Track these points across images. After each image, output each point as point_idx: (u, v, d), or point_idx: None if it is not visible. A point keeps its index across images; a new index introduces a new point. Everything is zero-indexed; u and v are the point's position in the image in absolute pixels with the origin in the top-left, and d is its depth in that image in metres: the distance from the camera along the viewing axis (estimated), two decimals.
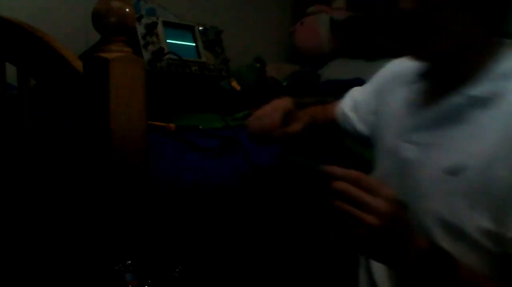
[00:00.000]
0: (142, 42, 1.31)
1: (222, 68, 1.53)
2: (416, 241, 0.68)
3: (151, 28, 1.34)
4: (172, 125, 1.20)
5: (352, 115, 1.11)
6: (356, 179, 0.65)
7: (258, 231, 1.11)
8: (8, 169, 1.11)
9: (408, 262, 0.67)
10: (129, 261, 0.73)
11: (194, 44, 1.47)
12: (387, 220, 0.64)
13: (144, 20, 1.34)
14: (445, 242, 0.73)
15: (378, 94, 1.02)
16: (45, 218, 1.05)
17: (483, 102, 0.74)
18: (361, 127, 1.08)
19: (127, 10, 0.85)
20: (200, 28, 1.50)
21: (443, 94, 0.80)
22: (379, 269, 0.87)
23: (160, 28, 1.36)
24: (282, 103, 1.08)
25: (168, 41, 1.37)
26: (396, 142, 0.85)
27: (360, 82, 1.82)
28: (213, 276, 1.05)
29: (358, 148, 1.26)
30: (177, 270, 0.77)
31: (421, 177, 0.78)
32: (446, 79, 0.82)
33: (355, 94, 1.14)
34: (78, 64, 0.90)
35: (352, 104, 1.12)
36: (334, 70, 2.09)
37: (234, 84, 1.70)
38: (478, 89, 0.75)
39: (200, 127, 1.24)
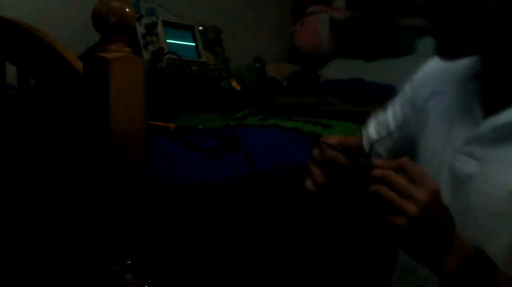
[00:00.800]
0: (142, 42, 1.31)
1: (222, 68, 1.53)
2: (460, 241, 0.65)
3: (151, 28, 1.34)
4: (172, 125, 1.20)
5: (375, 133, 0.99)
6: (399, 167, 0.63)
7: (258, 231, 1.11)
8: (8, 169, 1.11)
9: (448, 263, 0.64)
10: (129, 261, 0.73)
11: (194, 44, 1.47)
12: (428, 212, 0.60)
13: (144, 20, 1.34)
14: (502, 260, 0.68)
15: (415, 95, 0.90)
16: (45, 218, 1.05)
17: None
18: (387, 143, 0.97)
19: (127, 10, 0.85)
20: (200, 28, 1.50)
21: (506, 102, 0.71)
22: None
23: (160, 28, 1.36)
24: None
25: (168, 41, 1.37)
26: (448, 152, 0.77)
27: (360, 82, 1.82)
28: (213, 276, 1.05)
29: None
30: (177, 270, 0.77)
31: (483, 196, 0.71)
32: (507, 84, 0.73)
33: (378, 117, 1.02)
34: (78, 64, 0.90)
35: (375, 126, 1.01)
36: (334, 70, 2.09)
37: (234, 84, 1.70)
38: None
39: (200, 127, 1.24)
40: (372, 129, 1.00)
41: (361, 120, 1.42)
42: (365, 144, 0.98)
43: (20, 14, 1.11)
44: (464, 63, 0.79)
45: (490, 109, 0.73)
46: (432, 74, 0.87)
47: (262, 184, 1.11)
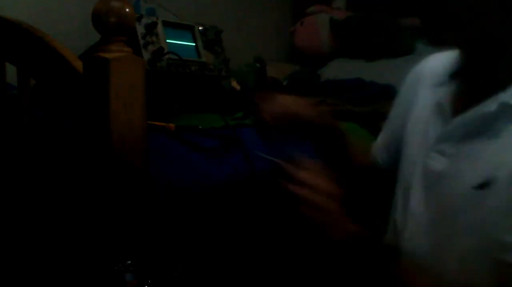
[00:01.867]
0: (142, 42, 1.31)
1: (222, 68, 1.53)
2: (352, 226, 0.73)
3: (151, 28, 1.34)
4: (172, 125, 1.20)
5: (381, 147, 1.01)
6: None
7: (258, 231, 1.11)
8: (8, 169, 1.11)
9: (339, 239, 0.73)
10: (129, 261, 0.73)
11: (194, 44, 1.47)
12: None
13: (144, 20, 1.34)
14: (471, 256, 0.71)
15: (404, 100, 0.93)
16: (45, 218, 1.05)
17: None
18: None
19: (127, 10, 0.85)
20: (200, 28, 1.50)
21: (475, 100, 0.74)
22: None
23: (160, 28, 1.36)
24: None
25: (168, 41, 1.37)
26: (423, 152, 0.80)
27: (360, 82, 1.82)
28: (213, 276, 1.05)
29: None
30: (177, 270, 0.77)
31: (451, 191, 0.75)
32: (480, 83, 0.76)
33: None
34: (78, 64, 0.90)
35: (382, 137, 1.03)
36: (334, 70, 2.10)
37: (234, 84, 1.70)
38: None
39: (200, 127, 1.24)
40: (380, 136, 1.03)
41: (361, 120, 1.43)
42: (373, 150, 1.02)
43: (20, 14, 1.11)
44: (442, 65, 0.82)
45: (462, 108, 0.76)
46: (414, 79, 0.90)
47: (262, 184, 1.11)
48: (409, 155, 0.85)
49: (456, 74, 0.80)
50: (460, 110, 0.76)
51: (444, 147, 0.77)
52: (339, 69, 2.08)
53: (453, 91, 0.80)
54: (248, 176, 1.10)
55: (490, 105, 0.71)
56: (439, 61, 0.85)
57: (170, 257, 0.91)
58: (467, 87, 0.78)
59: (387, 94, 1.56)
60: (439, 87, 0.82)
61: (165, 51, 1.32)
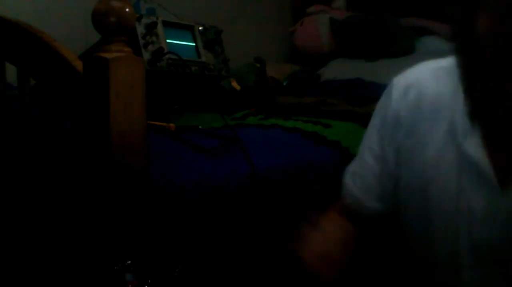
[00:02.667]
0: (142, 42, 1.31)
1: (222, 68, 1.53)
2: None
3: (151, 28, 1.34)
4: (172, 125, 1.20)
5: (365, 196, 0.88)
6: None
7: (258, 231, 1.11)
8: (9, 169, 1.11)
9: None
10: (129, 261, 0.73)
11: (194, 44, 1.47)
12: None
13: (144, 20, 1.34)
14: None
15: (390, 131, 0.81)
16: (45, 218, 1.05)
17: None
18: (376, 204, 0.87)
19: (127, 10, 0.85)
20: (200, 28, 1.50)
21: None
22: None
23: (160, 28, 1.36)
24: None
25: (168, 41, 1.37)
26: (466, 225, 0.70)
27: (360, 82, 1.82)
28: (213, 276, 1.05)
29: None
30: (177, 270, 0.77)
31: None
32: None
33: (356, 170, 0.90)
34: (78, 64, 0.90)
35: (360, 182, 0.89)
36: (334, 70, 2.09)
37: (234, 84, 1.70)
38: None
39: (200, 127, 1.24)
40: (354, 188, 0.89)
41: (361, 120, 1.42)
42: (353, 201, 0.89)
43: (20, 14, 1.11)
44: (449, 94, 0.71)
45: (503, 167, 0.65)
46: (408, 107, 0.78)
47: (262, 184, 1.11)
48: (443, 206, 0.73)
49: (481, 116, 0.66)
50: (507, 171, 0.65)
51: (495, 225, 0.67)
52: (339, 69, 2.07)
53: (484, 141, 0.67)
54: (248, 176, 1.10)
55: None
56: (437, 84, 0.74)
57: (170, 257, 0.91)
58: (504, 134, 0.66)
59: None
60: (462, 137, 0.69)
61: (165, 51, 1.32)
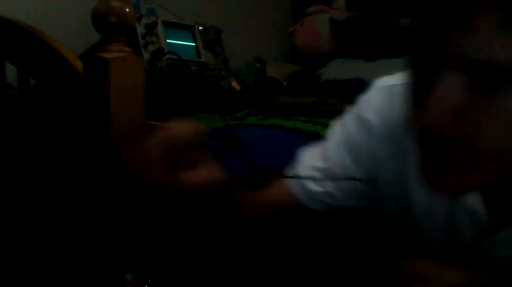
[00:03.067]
0: (142, 42, 1.31)
1: (222, 68, 1.53)
2: None
3: (151, 28, 1.34)
4: None
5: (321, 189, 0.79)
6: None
7: (258, 231, 1.11)
8: (9, 169, 1.11)
9: None
10: (129, 261, 0.73)
11: (194, 44, 1.47)
12: None
13: (144, 20, 1.34)
14: None
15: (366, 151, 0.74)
16: (46, 218, 1.05)
17: None
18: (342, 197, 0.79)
19: (127, 10, 0.85)
20: (200, 28, 1.50)
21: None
22: None
23: (160, 28, 1.36)
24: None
25: (168, 41, 1.37)
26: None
27: (360, 82, 1.82)
28: (213, 276, 1.05)
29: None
30: (177, 270, 0.77)
31: None
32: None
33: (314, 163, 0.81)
34: (78, 64, 0.90)
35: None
36: (334, 70, 2.10)
37: (234, 84, 1.70)
38: None
39: None
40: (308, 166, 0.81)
41: None
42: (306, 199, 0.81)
43: (20, 14, 1.11)
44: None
45: (495, 209, 0.62)
46: (391, 127, 0.72)
47: (262, 184, 1.11)
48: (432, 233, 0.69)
49: None
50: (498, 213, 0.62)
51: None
52: (339, 69, 2.08)
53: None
54: (248, 176, 1.10)
55: None
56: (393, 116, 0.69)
57: (170, 257, 0.91)
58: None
59: None
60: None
61: (165, 51, 1.32)
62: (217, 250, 1.06)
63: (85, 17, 0.93)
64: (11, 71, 1.10)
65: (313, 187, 0.79)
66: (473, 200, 0.63)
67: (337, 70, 2.09)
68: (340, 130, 0.78)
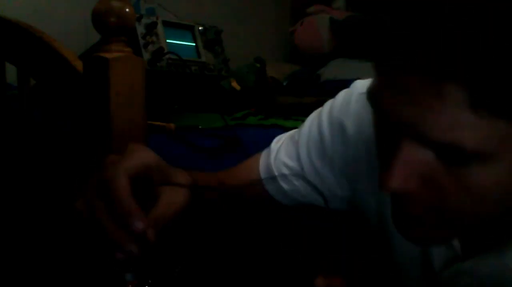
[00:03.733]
0: (142, 42, 1.31)
1: (222, 68, 1.53)
2: None
3: (151, 28, 1.34)
4: (172, 125, 1.20)
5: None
6: None
7: (258, 231, 1.11)
8: (9, 169, 1.11)
9: None
10: (129, 261, 0.73)
11: (194, 44, 1.47)
12: None
13: (144, 20, 1.34)
14: None
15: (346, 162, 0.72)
16: (46, 218, 1.05)
17: None
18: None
19: (127, 10, 0.85)
20: (200, 28, 1.50)
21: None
22: None
23: (160, 28, 1.36)
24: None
25: (168, 41, 1.37)
26: (420, 273, 0.66)
27: None
28: (213, 276, 1.05)
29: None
30: (177, 270, 0.77)
31: None
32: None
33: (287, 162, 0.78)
34: (78, 64, 0.90)
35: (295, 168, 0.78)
36: (334, 70, 2.09)
37: (234, 84, 1.70)
38: None
39: (200, 127, 1.24)
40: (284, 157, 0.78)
41: None
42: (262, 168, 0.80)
43: (20, 14, 1.11)
44: None
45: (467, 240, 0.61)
46: (369, 139, 0.67)
47: (262, 184, 1.11)
48: (403, 257, 0.69)
49: None
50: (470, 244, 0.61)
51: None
52: (339, 69, 2.07)
53: None
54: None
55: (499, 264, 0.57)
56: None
57: (170, 257, 0.91)
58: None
59: None
60: None
61: (165, 51, 1.32)
62: (217, 251, 1.06)
63: (85, 17, 0.93)
64: (11, 71, 1.10)
65: (284, 184, 0.77)
66: None
67: (337, 70, 2.08)
68: (315, 130, 0.75)
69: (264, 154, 0.81)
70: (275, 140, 0.83)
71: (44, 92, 1.11)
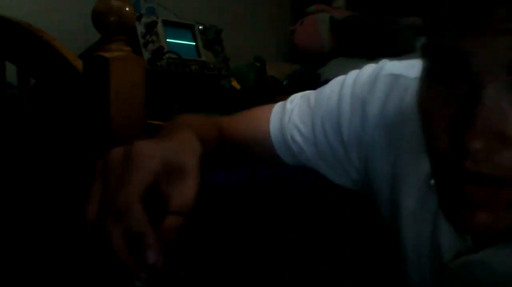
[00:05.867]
0: (142, 41, 1.31)
1: (222, 67, 1.53)
2: None
3: (151, 27, 1.34)
4: None
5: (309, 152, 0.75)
6: None
7: (258, 231, 1.11)
8: (8, 169, 1.11)
9: None
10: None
11: (194, 43, 1.47)
12: None
13: (144, 19, 1.34)
14: None
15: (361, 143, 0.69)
16: (47, 219, 1.05)
17: None
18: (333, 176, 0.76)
19: (127, 9, 0.85)
20: (200, 27, 1.50)
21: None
22: None
23: (160, 27, 1.36)
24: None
25: (168, 40, 1.37)
26: (429, 257, 0.63)
27: None
28: (214, 278, 1.05)
29: None
30: (182, 273, 0.77)
31: None
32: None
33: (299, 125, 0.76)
34: (78, 63, 0.90)
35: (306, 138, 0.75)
36: (334, 70, 2.09)
37: (234, 83, 1.70)
38: None
39: None
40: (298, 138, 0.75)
41: None
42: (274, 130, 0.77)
43: (20, 14, 1.11)
44: None
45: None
46: (389, 122, 0.65)
47: (262, 184, 1.11)
48: (412, 244, 0.66)
49: None
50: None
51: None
52: (339, 69, 2.06)
53: None
54: (248, 176, 1.10)
55: None
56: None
57: (175, 260, 0.91)
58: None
59: None
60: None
61: (165, 50, 1.32)
62: (218, 252, 1.06)
63: (85, 17, 0.93)
64: (11, 70, 1.09)
65: (295, 147, 0.75)
66: None
67: (337, 69, 2.08)
68: (335, 102, 0.71)
69: (277, 110, 0.80)
70: (289, 100, 0.81)
71: (44, 92, 1.11)
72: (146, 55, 1.30)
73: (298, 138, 0.75)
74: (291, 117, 0.76)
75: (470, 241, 0.59)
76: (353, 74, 0.74)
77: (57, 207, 1.02)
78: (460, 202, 0.47)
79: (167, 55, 1.33)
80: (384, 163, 0.67)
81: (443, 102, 0.46)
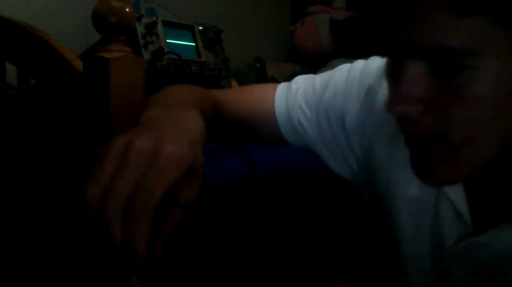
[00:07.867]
0: (142, 41, 1.31)
1: (222, 68, 1.53)
2: None
3: (151, 28, 1.34)
4: None
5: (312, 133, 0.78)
6: None
7: (258, 231, 1.11)
8: (8, 169, 1.11)
9: None
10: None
11: (194, 44, 1.47)
12: None
13: (144, 20, 1.34)
14: None
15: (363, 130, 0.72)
16: (47, 218, 1.05)
17: None
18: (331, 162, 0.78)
19: (127, 10, 0.85)
20: (200, 27, 1.50)
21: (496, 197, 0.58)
22: None
23: (160, 28, 1.36)
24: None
25: (168, 40, 1.37)
26: (433, 248, 0.65)
27: None
28: (214, 277, 1.05)
29: None
30: (180, 272, 0.77)
31: None
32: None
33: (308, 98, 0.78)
34: (78, 64, 0.90)
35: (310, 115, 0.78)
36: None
37: (234, 83, 1.70)
38: None
39: None
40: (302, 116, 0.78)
41: None
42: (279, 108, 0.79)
43: (20, 14, 1.11)
44: None
45: (479, 210, 0.60)
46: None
47: (262, 184, 1.11)
48: (409, 231, 0.68)
49: None
50: (482, 215, 0.60)
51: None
52: None
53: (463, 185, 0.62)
54: (248, 176, 1.10)
55: None
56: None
57: (172, 260, 0.91)
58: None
59: None
60: None
61: (165, 50, 1.32)
62: (216, 251, 1.06)
63: (85, 17, 0.93)
64: (11, 71, 1.10)
65: (300, 129, 0.78)
66: (456, 196, 0.62)
67: None
68: (341, 92, 0.75)
69: (282, 90, 0.82)
70: (294, 81, 0.83)
71: (44, 92, 1.11)
72: (146, 55, 1.30)
73: (303, 120, 0.77)
74: (296, 98, 0.79)
75: (470, 225, 0.61)
76: (359, 63, 0.80)
77: (57, 207, 1.02)
78: (425, 159, 0.55)
79: (167, 56, 1.33)
80: (388, 150, 0.69)
81: (394, 81, 0.55)
